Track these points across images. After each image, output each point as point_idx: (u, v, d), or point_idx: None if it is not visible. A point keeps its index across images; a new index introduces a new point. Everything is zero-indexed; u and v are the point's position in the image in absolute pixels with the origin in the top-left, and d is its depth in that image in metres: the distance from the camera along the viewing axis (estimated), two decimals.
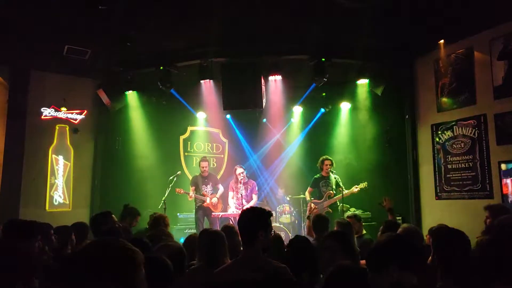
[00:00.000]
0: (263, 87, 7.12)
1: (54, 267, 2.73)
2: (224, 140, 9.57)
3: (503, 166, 5.93)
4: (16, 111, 7.24)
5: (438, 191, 6.95)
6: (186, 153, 9.22)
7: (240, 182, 7.54)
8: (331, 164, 7.29)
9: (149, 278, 1.32)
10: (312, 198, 7.34)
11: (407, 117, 7.59)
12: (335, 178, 7.26)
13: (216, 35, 6.35)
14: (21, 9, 5.45)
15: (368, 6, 5.42)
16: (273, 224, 6.86)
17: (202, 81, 7.39)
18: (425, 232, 4.22)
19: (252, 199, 7.70)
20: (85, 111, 7.94)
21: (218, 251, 3.03)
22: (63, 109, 7.72)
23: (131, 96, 7.93)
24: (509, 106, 5.91)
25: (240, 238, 2.67)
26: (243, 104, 7.32)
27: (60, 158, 7.78)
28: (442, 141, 6.92)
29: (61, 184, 7.73)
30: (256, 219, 2.54)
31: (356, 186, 7.14)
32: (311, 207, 6.97)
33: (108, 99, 7.73)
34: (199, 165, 7.88)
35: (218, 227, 6.08)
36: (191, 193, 7.52)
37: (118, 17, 5.62)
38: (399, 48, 7.05)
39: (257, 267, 2.34)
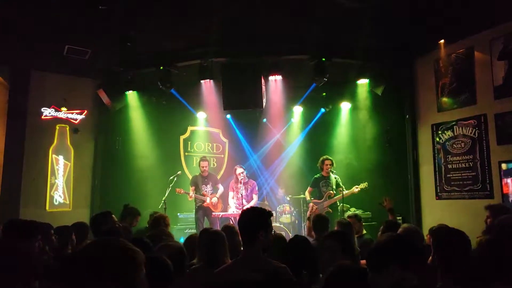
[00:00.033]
0: (263, 87, 7.12)
1: (55, 267, 2.73)
2: (224, 140, 9.56)
3: (504, 166, 5.93)
4: (16, 111, 7.24)
5: (438, 191, 6.95)
6: (186, 153, 9.22)
7: (240, 182, 7.54)
8: (332, 164, 7.29)
9: (149, 278, 1.32)
10: (312, 198, 7.34)
11: (407, 117, 7.59)
12: (335, 178, 7.26)
13: (216, 35, 6.35)
14: (21, 9, 5.45)
15: (368, 6, 5.42)
16: (273, 224, 6.86)
17: (202, 81, 7.40)
18: (425, 232, 4.22)
19: (252, 199, 7.70)
20: (85, 111, 7.94)
21: (219, 251, 3.03)
22: (63, 109, 7.73)
23: (131, 96, 7.93)
24: (510, 106, 5.91)
25: (240, 238, 2.67)
26: (243, 104, 7.32)
27: (60, 158, 7.78)
28: (442, 141, 6.92)
29: (61, 184, 7.73)
30: (256, 219, 2.54)
31: (357, 186, 7.15)
32: (312, 208, 6.96)
33: (108, 99, 7.73)
34: (199, 165, 7.88)
35: (218, 227, 6.07)
36: (191, 193, 7.52)
37: (118, 17, 5.62)
38: (399, 48, 7.04)
39: (257, 267, 2.34)
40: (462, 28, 6.39)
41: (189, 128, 9.29)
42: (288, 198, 8.52)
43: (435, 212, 6.96)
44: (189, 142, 9.29)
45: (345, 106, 8.43)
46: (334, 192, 7.20)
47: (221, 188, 7.97)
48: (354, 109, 8.35)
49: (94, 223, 3.65)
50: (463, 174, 6.56)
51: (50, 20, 5.78)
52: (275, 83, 7.48)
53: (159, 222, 4.56)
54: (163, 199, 7.08)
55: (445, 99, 6.91)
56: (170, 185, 7.30)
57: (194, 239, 3.53)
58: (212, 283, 2.53)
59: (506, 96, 5.95)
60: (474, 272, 2.13)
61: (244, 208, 6.23)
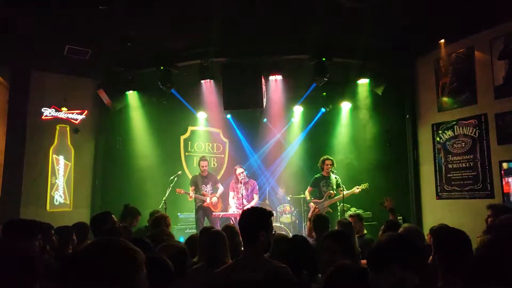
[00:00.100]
0: (264, 87, 7.12)
1: (55, 266, 2.73)
2: (225, 140, 9.56)
3: (505, 165, 5.93)
4: (16, 111, 7.24)
5: (439, 190, 6.95)
6: (186, 153, 9.22)
7: (241, 182, 7.54)
8: (332, 164, 7.29)
9: (149, 279, 1.32)
10: (312, 198, 7.34)
11: (407, 116, 7.59)
12: (335, 178, 7.26)
13: (216, 35, 6.35)
14: (21, 9, 5.44)
15: (368, 6, 5.42)
16: (274, 224, 6.85)
17: (202, 81, 7.40)
18: (426, 231, 4.22)
19: (253, 199, 7.69)
20: (86, 111, 7.95)
21: (219, 251, 3.03)
22: (64, 109, 7.73)
23: (132, 96, 7.93)
24: (510, 106, 5.91)
25: (240, 238, 2.67)
26: (243, 104, 7.32)
27: (61, 158, 7.78)
28: (442, 140, 6.92)
29: (61, 184, 7.73)
30: (257, 219, 2.53)
31: (358, 186, 7.14)
32: (314, 209, 6.95)
33: (108, 99, 7.73)
34: (199, 165, 7.88)
35: (218, 227, 6.08)
36: (191, 193, 7.51)
37: (118, 17, 5.62)
38: (400, 47, 7.04)
39: (258, 267, 2.34)
40: (462, 27, 6.39)
41: (190, 128, 9.29)
42: (288, 198, 8.52)
43: (436, 212, 6.96)
44: (190, 142, 9.29)
45: (345, 106, 8.42)
46: (335, 192, 7.20)
47: (221, 188, 7.97)
48: (355, 109, 8.34)
49: (94, 223, 3.65)
50: (463, 174, 6.55)
51: (50, 20, 5.78)
52: (275, 83, 7.48)
53: (160, 222, 4.56)
54: (164, 199, 7.09)
55: (445, 99, 6.91)
56: (171, 185, 7.30)
57: (195, 239, 3.53)
58: (213, 283, 2.52)
59: (507, 96, 5.95)
60: (475, 272, 2.13)
61: (245, 208, 6.24)
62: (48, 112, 7.57)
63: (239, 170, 7.62)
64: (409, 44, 6.96)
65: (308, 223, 5.39)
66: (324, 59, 6.85)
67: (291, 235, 7.36)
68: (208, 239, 3.12)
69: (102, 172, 8.15)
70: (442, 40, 6.85)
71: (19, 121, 7.25)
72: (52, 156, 7.69)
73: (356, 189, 7.14)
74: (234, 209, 7.49)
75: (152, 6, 5.46)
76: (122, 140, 8.24)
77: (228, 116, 8.93)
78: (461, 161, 6.59)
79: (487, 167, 6.20)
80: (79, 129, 7.92)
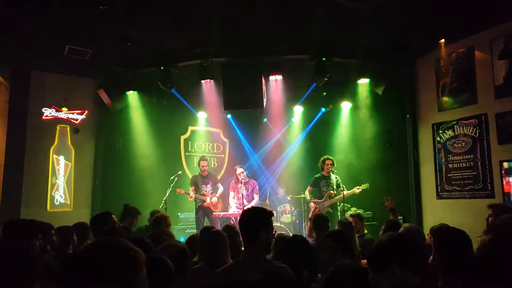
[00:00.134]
0: (264, 87, 7.11)
1: (56, 266, 2.73)
2: (225, 140, 9.57)
3: (505, 165, 5.92)
4: (17, 111, 7.25)
5: (439, 190, 6.94)
6: (187, 153, 9.22)
7: (241, 182, 7.53)
8: (332, 164, 7.28)
9: (149, 279, 1.32)
10: (312, 197, 7.34)
11: (408, 116, 7.59)
12: (335, 178, 7.25)
13: (216, 35, 6.35)
14: (21, 9, 5.44)
15: (368, 6, 5.41)
16: (274, 224, 6.85)
17: (202, 81, 7.40)
18: (426, 231, 4.21)
19: (253, 198, 7.70)
20: (86, 111, 7.95)
21: (220, 251, 3.03)
22: (64, 109, 7.73)
23: (132, 96, 7.93)
24: (510, 106, 5.91)
25: (241, 238, 2.67)
26: (243, 104, 7.31)
27: (61, 158, 7.78)
28: (443, 140, 6.92)
29: (62, 184, 7.74)
30: (257, 219, 2.53)
31: (358, 187, 7.14)
32: (315, 209, 6.94)
33: (108, 99, 7.73)
34: (199, 165, 7.88)
35: (219, 227, 6.08)
36: (191, 193, 7.51)
37: (118, 17, 5.62)
38: (400, 47, 7.04)
39: (258, 267, 2.34)
40: (462, 27, 6.38)
41: (190, 128, 9.29)
42: (288, 198, 8.52)
43: (436, 211, 6.96)
44: (190, 142, 9.29)
45: (345, 106, 8.42)
46: (335, 192, 7.19)
47: (221, 188, 7.97)
48: (355, 109, 8.34)
49: (94, 223, 3.65)
50: (464, 174, 6.55)
51: (50, 20, 5.78)
52: (275, 83, 7.48)
53: (160, 222, 4.56)
54: (164, 199, 7.09)
55: (445, 99, 6.90)
56: (171, 185, 7.30)
57: (196, 239, 3.53)
58: (213, 283, 2.52)
59: (507, 96, 5.94)
60: (475, 272, 2.12)
61: (245, 208, 6.24)
62: (48, 112, 7.57)
63: (239, 170, 7.62)
64: (409, 44, 6.96)
65: (308, 223, 5.39)
66: (324, 59, 6.85)
67: (291, 235, 7.38)
68: (209, 239, 3.12)
69: (102, 172, 8.15)
70: (442, 40, 6.85)
71: (19, 121, 7.25)
72: (53, 156, 7.69)
73: (357, 190, 7.13)
74: (234, 209, 7.49)
75: (152, 6, 5.46)
76: (123, 140, 8.24)
77: (228, 116, 8.93)
78: (462, 160, 6.59)
79: (487, 166, 6.20)
80: (80, 129, 7.92)
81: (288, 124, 9.15)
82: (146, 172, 8.19)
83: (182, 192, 7.47)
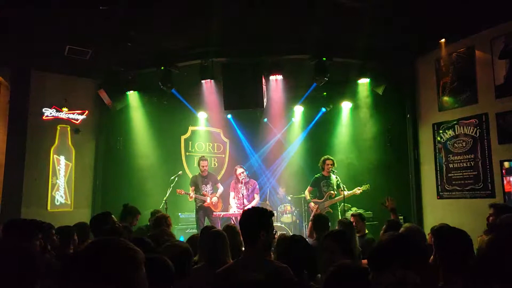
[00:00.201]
0: (264, 87, 7.11)
1: (56, 266, 2.73)
2: (225, 140, 9.57)
3: (506, 164, 5.92)
4: (17, 111, 7.25)
5: (439, 190, 6.94)
6: (187, 153, 9.23)
7: (241, 182, 7.53)
8: (333, 164, 7.27)
9: (150, 279, 1.31)
10: (312, 197, 7.33)
11: (408, 116, 7.58)
12: (336, 178, 7.25)
13: (216, 35, 6.35)
14: (21, 9, 5.45)
15: (368, 6, 5.41)
16: (275, 224, 6.85)
17: (203, 81, 7.39)
18: (426, 231, 4.21)
19: (254, 199, 7.69)
20: (86, 111, 7.95)
21: (220, 250, 3.03)
22: (64, 109, 7.73)
23: (132, 96, 7.93)
24: (511, 105, 5.91)
25: (241, 238, 2.67)
26: (244, 104, 7.31)
27: (62, 158, 7.79)
28: (443, 140, 6.91)
29: (62, 184, 7.74)
30: (258, 219, 2.53)
31: (359, 188, 7.12)
32: (316, 210, 6.93)
33: (109, 99, 7.73)
34: (199, 165, 7.88)
35: (219, 227, 6.08)
36: (191, 194, 7.51)
37: (118, 17, 5.62)
38: (400, 47, 7.03)
39: (259, 267, 2.33)
40: (462, 27, 6.38)
41: (190, 128, 9.30)
42: (289, 198, 8.52)
43: (437, 211, 6.95)
44: (190, 142, 9.30)
45: (346, 106, 8.42)
46: (335, 192, 7.19)
47: (221, 188, 7.97)
48: (355, 109, 8.34)
49: (94, 223, 3.65)
50: (464, 174, 6.55)
51: (50, 20, 5.78)
52: (275, 83, 7.48)
53: (161, 222, 4.56)
54: (164, 199, 7.08)
55: (446, 98, 6.90)
56: (171, 185, 7.30)
57: (196, 239, 3.53)
58: (213, 283, 2.52)
59: (508, 95, 5.94)
60: (476, 271, 2.12)
61: (245, 208, 6.24)
62: (48, 113, 7.58)
63: (239, 170, 7.62)
64: (409, 43, 6.96)
65: (310, 223, 5.39)
66: (324, 58, 6.85)
67: (291, 235, 7.38)
68: (209, 239, 3.12)
69: (103, 172, 8.16)
70: (443, 40, 6.84)
71: (20, 122, 7.25)
72: (53, 156, 7.70)
73: (357, 190, 7.12)
74: (234, 209, 7.49)
75: (152, 6, 5.47)
76: (123, 140, 8.25)
77: (229, 116, 8.93)
78: (462, 160, 6.59)
79: (488, 166, 6.19)
80: (80, 129, 7.92)
81: (289, 124, 9.15)
82: (146, 172, 8.20)
83: (183, 192, 7.48)
